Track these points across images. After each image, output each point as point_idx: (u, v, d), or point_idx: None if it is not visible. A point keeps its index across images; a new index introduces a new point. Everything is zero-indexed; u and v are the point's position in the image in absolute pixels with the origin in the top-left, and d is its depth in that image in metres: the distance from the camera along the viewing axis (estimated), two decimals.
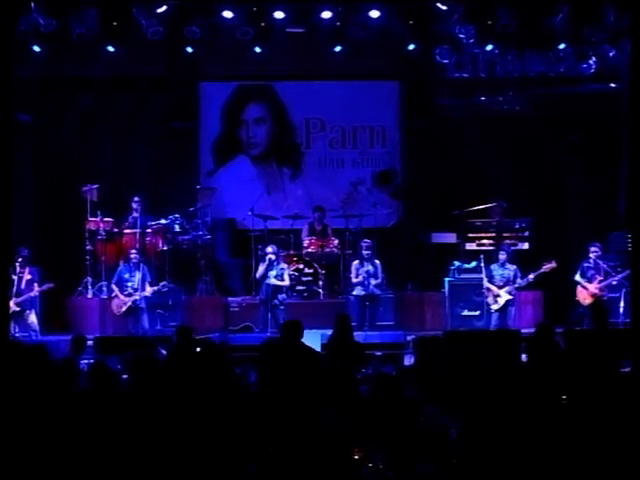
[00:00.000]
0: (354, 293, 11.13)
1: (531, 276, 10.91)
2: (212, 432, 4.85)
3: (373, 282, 11.03)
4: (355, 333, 10.60)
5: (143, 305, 10.93)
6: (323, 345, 8.72)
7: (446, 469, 4.23)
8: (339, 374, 5.56)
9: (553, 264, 10.84)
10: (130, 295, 10.90)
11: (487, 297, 11.01)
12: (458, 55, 12.28)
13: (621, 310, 10.74)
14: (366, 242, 11.14)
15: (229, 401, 5.39)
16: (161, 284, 11.02)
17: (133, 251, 11.14)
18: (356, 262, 11.19)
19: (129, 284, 10.95)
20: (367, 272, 11.00)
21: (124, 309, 10.92)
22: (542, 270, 10.89)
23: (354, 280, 11.13)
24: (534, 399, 4.83)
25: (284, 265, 11.22)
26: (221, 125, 13.51)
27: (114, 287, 11.04)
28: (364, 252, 11.06)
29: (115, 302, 11.04)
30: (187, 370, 6.05)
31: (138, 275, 10.92)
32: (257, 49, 12.16)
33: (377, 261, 11.16)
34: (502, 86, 12.79)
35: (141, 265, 10.99)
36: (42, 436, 4.60)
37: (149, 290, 10.92)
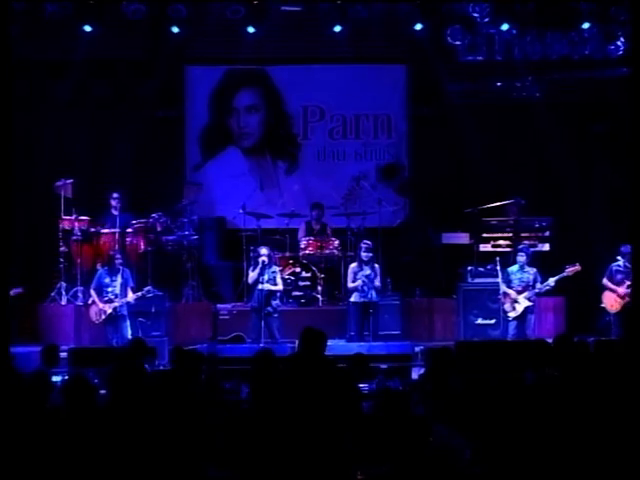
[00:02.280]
0: (352, 300, 11.10)
1: (552, 280, 10.90)
2: (199, 453, 4.84)
3: (373, 287, 10.99)
4: (357, 344, 10.64)
5: (124, 313, 10.91)
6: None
7: None
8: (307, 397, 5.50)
9: (577, 267, 10.83)
10: (110, 301, 10.87)
11: (504, 304, 11.00)
12: (471, 36, 12.29)
13: None
14: (366, 243, 11.11)
15: (218, 419, 5.38)
16: (145, 289, 11.00)
17: (117, 255, 11.05)
18: (354, 265, 11.16)
19: (109, 289, 10.92)
20: (367, 276, 10.98)
21: (103, 317, 10.90)
22: (565, 274, 10.88)
23: (350, 285, 11.10)
24: (556, 417, 4.82)
25: (275, 268, 11.19)
26: (209, 113, 13.51)
27: (92, 293, 11.00)
28: (363, 254, 11.04)
29: (93, 309, 11.01)
30: (173, 385, 6.04)
31: (119, 280, 10.90)
32: (249, 29, 12.18)
33: (376, 265, 11.11)
34: (520, 70, 12.80)
35: (122, 269, 10.95)
36: (11, 459, 4.59)
37: (131, 296, 10.89)
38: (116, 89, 12.91)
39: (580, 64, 12.44)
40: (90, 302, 11.09)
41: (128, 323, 10.91)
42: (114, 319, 10.88)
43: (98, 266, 11.45)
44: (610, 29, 11.93)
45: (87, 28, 11.76)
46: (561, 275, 10.90)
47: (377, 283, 11.04)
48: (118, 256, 10.99)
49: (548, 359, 6.36)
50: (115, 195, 12.03)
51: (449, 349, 7.06)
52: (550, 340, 7.05)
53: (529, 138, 12.96)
